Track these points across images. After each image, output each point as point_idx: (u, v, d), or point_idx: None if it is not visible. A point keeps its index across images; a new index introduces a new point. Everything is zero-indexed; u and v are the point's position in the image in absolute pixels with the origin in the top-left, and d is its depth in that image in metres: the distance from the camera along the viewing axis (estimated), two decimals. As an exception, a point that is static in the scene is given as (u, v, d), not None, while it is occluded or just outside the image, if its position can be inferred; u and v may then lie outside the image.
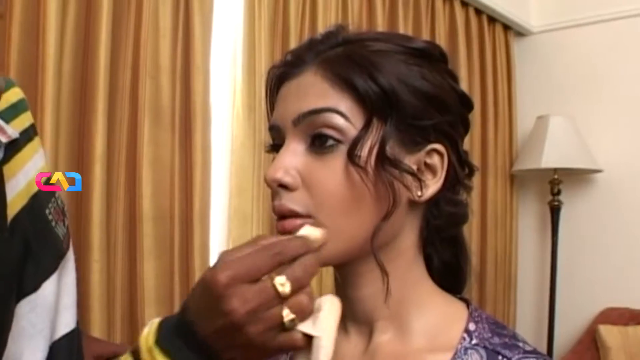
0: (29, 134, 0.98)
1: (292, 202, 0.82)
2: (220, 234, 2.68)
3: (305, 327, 0.72)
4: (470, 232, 3.68)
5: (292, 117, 0.84)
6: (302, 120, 0.83)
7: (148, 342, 0.73)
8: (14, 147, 0.93)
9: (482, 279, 3.79)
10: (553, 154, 3.64)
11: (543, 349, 3.46)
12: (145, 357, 0.72)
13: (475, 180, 3.67)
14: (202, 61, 2.50)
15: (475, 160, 3.74)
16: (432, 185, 0.85)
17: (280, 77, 0.90)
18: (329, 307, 0.75)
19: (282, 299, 0.70)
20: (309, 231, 0.78)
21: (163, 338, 0.73)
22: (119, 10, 2.28)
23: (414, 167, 0.84)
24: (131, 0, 2.32)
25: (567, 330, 3.82)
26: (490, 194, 3.86)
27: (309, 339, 0.73)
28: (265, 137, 2.63)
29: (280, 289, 0.70)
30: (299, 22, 2.91)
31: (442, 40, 3.61)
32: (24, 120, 0.98)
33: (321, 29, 2.88)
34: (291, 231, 0.81)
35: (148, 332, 0.74)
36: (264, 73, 2.63)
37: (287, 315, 0.70)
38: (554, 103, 3.98)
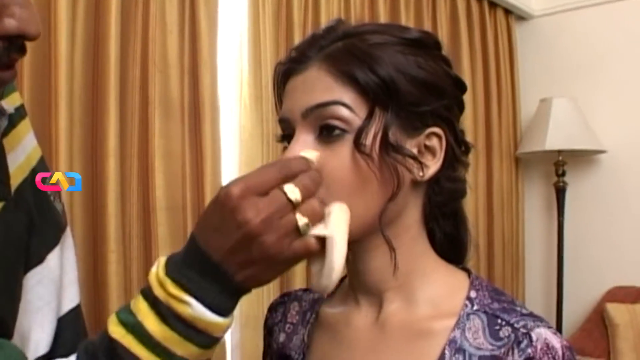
0: (20, 113, 0.99)
1: None
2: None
3: (318, 230, 0.75)
4: (477, 215, 3.72)
5: (301, 110, 0.89)
6: (311, 113, 0.88)
7: (159, 276, 0.75)
8: (9, 122, 0.94)
9: (489, 260, 3.83)
10: (557, 136, 3.67)
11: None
12: (158, 292, 0.74)
13: (481, 164, 3.73)
14: (209, 54, 2.54)
15: (480, 143, 3.78)
16: (433, 166, 0.91)
17: (286, 72, 0.95)
18: (338, 211, 0.78)
19: (293, 206, 0.74)
20: (307, 154, 0.84)
21: (173, 271, 0.75)
22: (127, 7, 2.33)
23: (415, 150, 0.90)
24: (138, -3, 2.38)
25: (576, 309, 3.86)
26: (496, 176, 3.89)
27: (322, 244, 0.76)
28: (273, 127, 2.70)
29: (290, 195, 0.73)
30: (302, 13, 2.94)
31: (443, 27, 3.63)
32: (15, 99, 0.99)
33: (324, 19, 2.93)
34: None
35: (157, 269, 0.76)
36: (270, 64, 2.70)
37: (300, 219, 0.74)
38: (557, 85, 4.00)
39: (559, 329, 3.72)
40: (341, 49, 0.89)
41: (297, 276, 2.76)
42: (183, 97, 2.50)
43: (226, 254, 0.74)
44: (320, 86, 0.88)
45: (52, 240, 0.97)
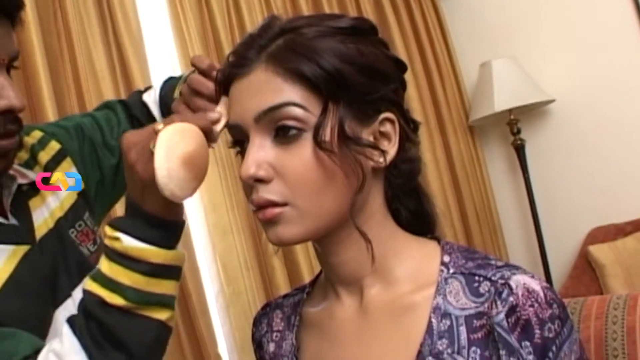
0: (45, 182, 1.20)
1: (269, 193, 0.88)
2: (206, 251, 2.72)
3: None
4: (444, 191, 3.72)
5: (253, 115, 0.88)
6: (264, 116, 0.88)
7: (104, 228, 0.92)
8: (33, 189, 1.16)
9: (467, 232, 3.84)
10: (503, 96, 3.69)
11: (541, 282, 3.50)
12: (105, 240, 0.92)
13: (437, 141, 3.75)
14: (145, 92, 2.52)
15: (432, 121, 3.79)
16: (390, 150, 0.92)
17: (228, 77, 0.94)
18: (166, 128, 0.88)
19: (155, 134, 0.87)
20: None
21: (112, 221, 0.92)
22: (54, 62, 2.31)
23: (371, 138, 0.91)
24: (64, 50, 2.35)
25: (561, 258, 3.88)
26: (454, 149, 3.89)
27: None
28: (226, 150, 2.68)
29: (155, 126, 0.88)
30: (228, 29, 2.93)
31: (369, 15, 3.60)
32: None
33: (250, 29, 2.92)
34: (272, 219, 0.88)
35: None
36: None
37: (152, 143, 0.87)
38: (493, 47, 4.01)
39: (548, 281, 3.74)
40: (283, 47, 0.89)
41: (281, 286, 2.75)
42: (129, 140, 2.47)
43: (132, 192, 0.91)
44: (269, 88, 0.88)
45: (77, 278, 1.13)
